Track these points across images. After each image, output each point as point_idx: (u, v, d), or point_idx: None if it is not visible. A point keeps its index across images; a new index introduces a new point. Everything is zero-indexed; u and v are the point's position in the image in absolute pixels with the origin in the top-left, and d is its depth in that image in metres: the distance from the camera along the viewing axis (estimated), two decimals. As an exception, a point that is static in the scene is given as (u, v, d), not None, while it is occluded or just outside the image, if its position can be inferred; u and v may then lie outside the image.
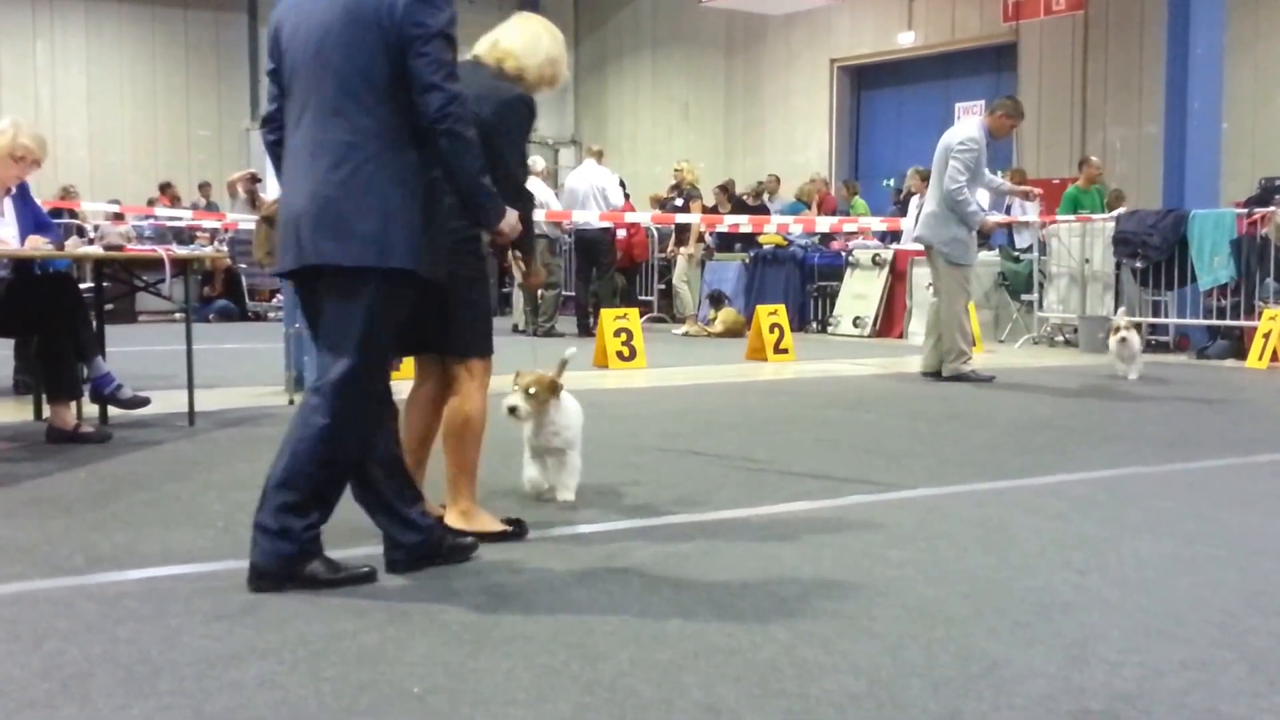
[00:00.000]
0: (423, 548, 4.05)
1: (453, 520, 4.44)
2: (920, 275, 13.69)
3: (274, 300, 17.26)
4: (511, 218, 4.18)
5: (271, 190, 9.84)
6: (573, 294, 16.30)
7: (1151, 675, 3.10)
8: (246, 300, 18.01)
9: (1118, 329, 10.22)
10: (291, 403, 8.36)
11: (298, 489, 3.75)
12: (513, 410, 4.83)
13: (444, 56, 3.78)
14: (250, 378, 9.76)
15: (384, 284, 3.78)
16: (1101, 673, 3.11)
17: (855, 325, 15.17)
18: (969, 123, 10.53)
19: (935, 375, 9.98)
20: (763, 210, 18.34)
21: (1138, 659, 3.22)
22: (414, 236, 3.79)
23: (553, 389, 4.99)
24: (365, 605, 3.65)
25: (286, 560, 3.76)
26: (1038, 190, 11.90)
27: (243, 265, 17.53)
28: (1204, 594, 3.86)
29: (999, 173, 12.61)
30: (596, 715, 2.81)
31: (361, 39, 3.76)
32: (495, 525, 4.48)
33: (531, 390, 4.89)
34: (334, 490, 3.86)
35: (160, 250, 7.63)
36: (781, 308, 12.71)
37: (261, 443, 6.74)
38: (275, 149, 4.06)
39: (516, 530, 4.50)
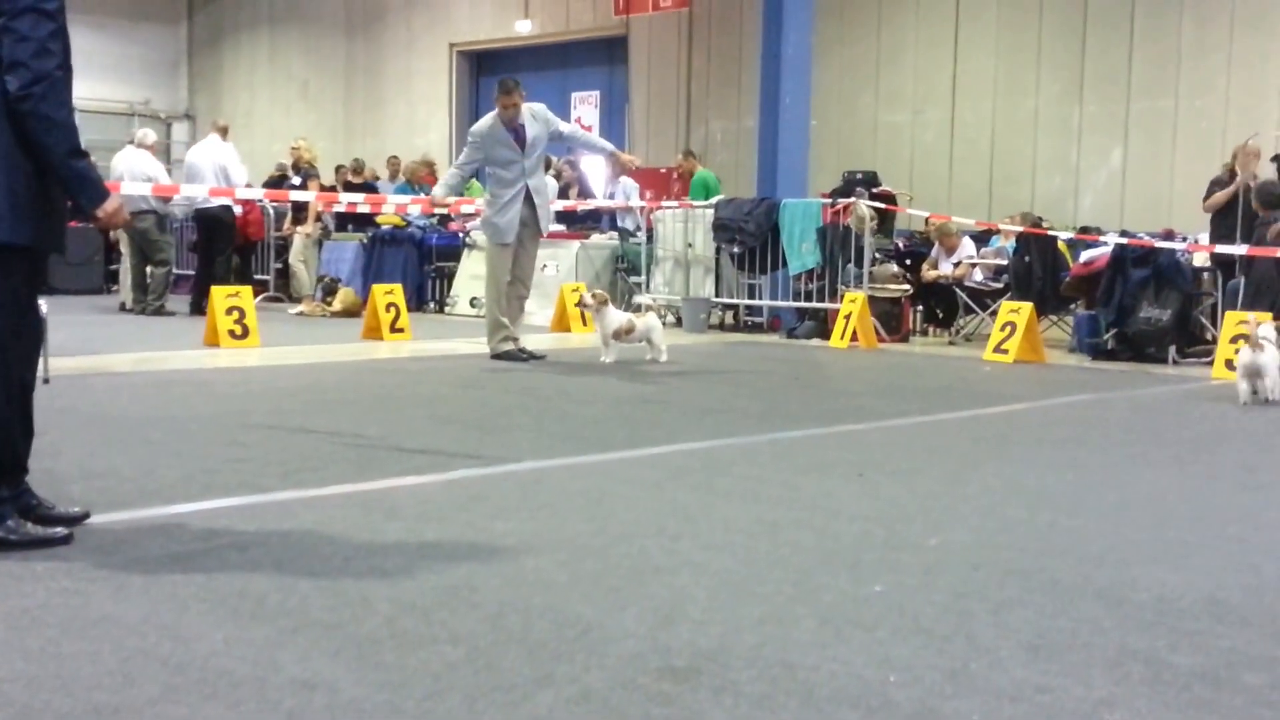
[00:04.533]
0: None
1: None
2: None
3: None
4: (113, 202, 4.04)
5: None
6: (188, 272, 15.62)
7: (731, 632, 3.30)
8: None
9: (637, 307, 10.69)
10: None
11: None
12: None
13: (32, 33, 3.68)
14: None
15: None
16: (687, 631, 3.29)
17: (472, 305, 15.25)
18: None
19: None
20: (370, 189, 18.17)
21: (720, 617, 3.42)
22: (17, 209, 3.72)
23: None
24: (-67, 596, 3.41)
25: None
26: (634, 160, 12.19)
27: None
28: (783, 554, 4.14)
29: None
30: (186, 696, 2.74)
31: None
32: None
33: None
34: None
35: None
36: (398, 287, 12.64)
37: None
38: None
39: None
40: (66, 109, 3.77)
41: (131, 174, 14.18)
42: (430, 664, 2.99)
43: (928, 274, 13.45)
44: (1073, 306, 12.73)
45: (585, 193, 17.75)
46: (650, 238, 15.07)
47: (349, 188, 18.04)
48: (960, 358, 11.64)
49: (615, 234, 16.03)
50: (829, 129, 17.55)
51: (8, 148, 3.76)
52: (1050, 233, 12.60)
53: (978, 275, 13.34)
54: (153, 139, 15.14)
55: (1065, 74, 16.58)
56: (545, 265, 13.93)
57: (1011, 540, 4.41)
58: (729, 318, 14.75)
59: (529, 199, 10.07)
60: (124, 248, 14.96)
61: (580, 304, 10.36)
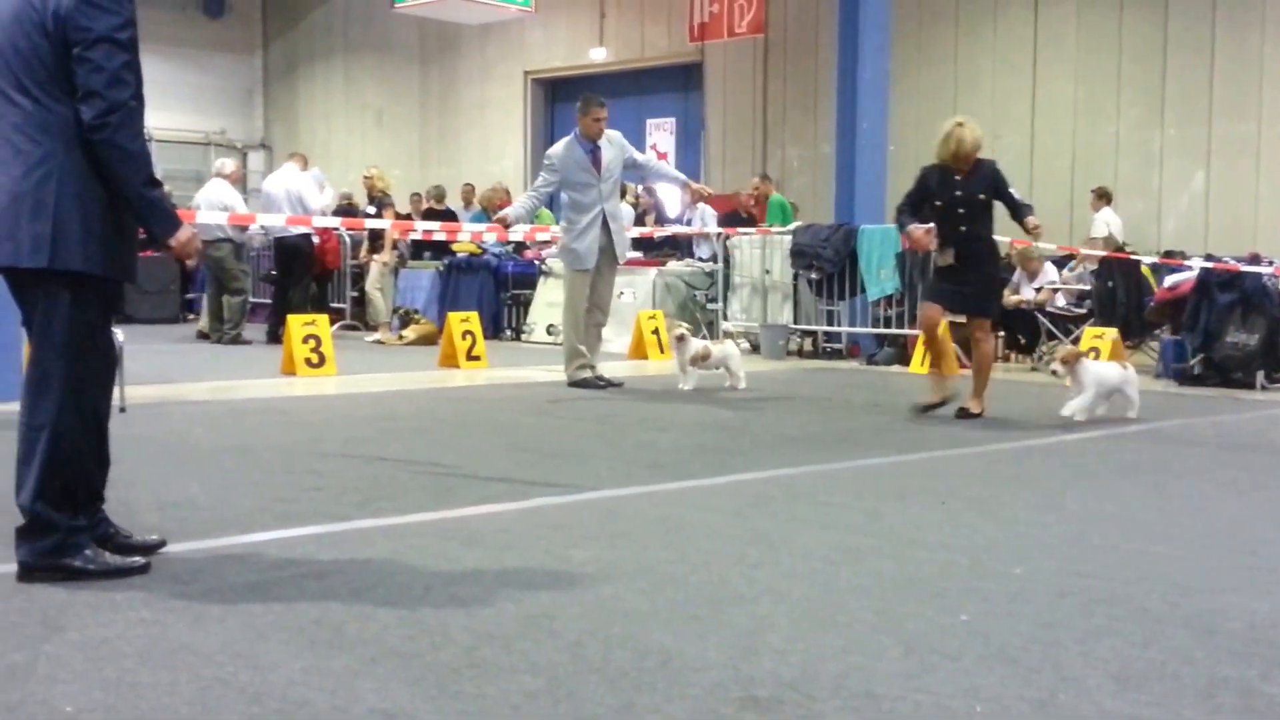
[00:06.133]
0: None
1: None
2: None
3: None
4: (185, 232, 4.05)
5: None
6: (266, 301, 15.80)
7: (814, 661, 3.24)
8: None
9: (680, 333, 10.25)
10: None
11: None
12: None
13: (107, 63, 3.71)
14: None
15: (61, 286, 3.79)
16: (769, 661, 3.23)
17: (549, 333, 15.28)
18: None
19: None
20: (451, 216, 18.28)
21: (802, 646, 3.36)
22: (90, 237, 3.76)
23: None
24: (17, 621, 3.43)
25: (49, 552, 3.81)
26: (706, 189, 12.17)
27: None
28: (865, 583, 4.07)
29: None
30: (265, 725, 2.73)
31: (28, 39, 3.73)
32: None
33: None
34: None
35: None
36: (475, 315, 12.69)
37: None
38: None
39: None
40: (140, 139, 3.81)
41: (208, 203, 14.33)
42: (510, 694, 2.95)
43: (1010, 299, 13.24)
44: (1158, 332, 12.49)
45: (662, 219, 17.74)
46: (727, 264, 15.02)
47: (432, 215, 18.15)
48: (1043, 384, 11.44)
49: (695, 261, 15.99)
50: (907, 154, 17.36)
51: (82, 177, 3.79)
52: (1134, 257, 12.36)
53: (1060, 300, 13.13)
54: (232, 168, 15.32)
55: (1146, 97, 16.34)
56: (622, 292, 13.91)
57: (1097, 568, 4.31)
58: (807, 344, 14.64)
59: (605, 225, 10.05)
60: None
61: (677, 338, 10.13)
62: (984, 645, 3.39)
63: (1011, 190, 8.62)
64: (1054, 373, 8.43)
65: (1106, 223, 15.09)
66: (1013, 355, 13.83)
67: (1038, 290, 13.08)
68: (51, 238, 3.73)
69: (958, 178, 8.42)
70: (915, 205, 8.62)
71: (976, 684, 3.08)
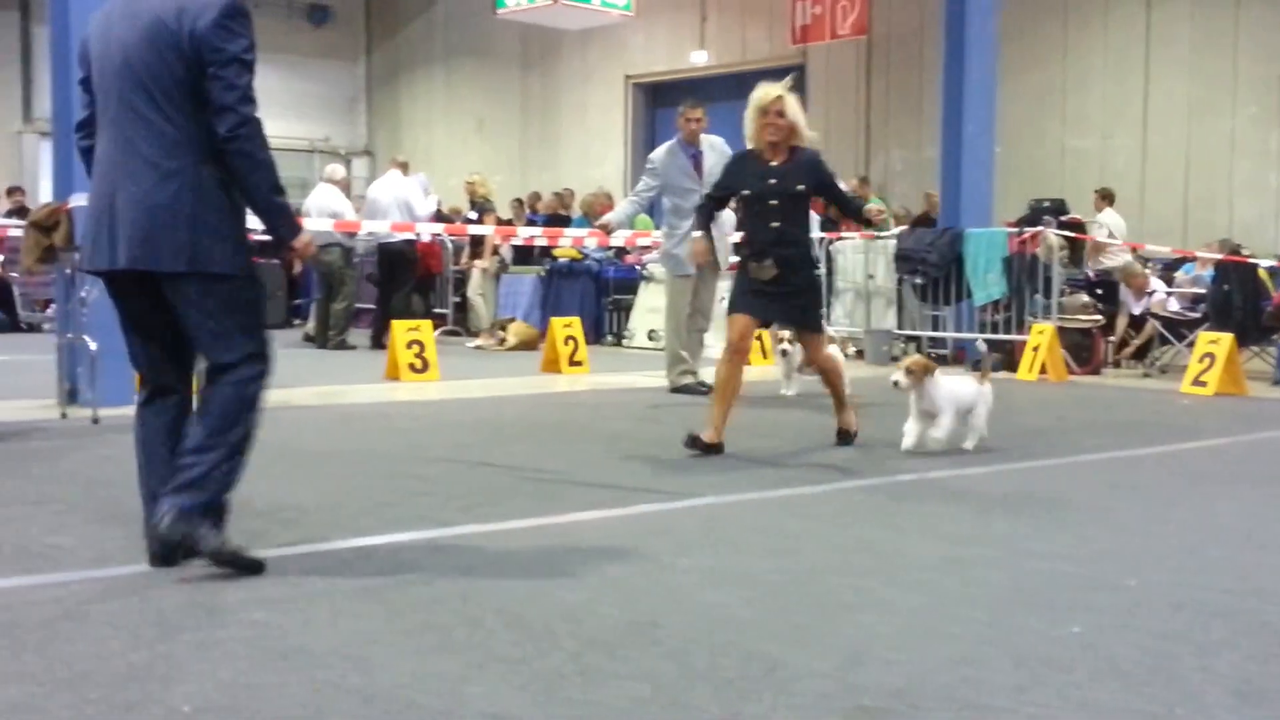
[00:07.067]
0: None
1: None
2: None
3: (49, 310, 16.45)
4: (305, 235, 4.30)
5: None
6: (369, 306, 16.02)
7: (922, 672, 3.20)
8: (19, 310, 17.12)
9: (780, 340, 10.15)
10: (64, 416, 8.00)
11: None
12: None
13: (238, 80, 3.99)
14: (19, 390, 9.28)
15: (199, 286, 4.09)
16: (876, 671, 3.20)
17: (650, 338, 15.30)
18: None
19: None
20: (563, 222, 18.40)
21: (910, 657, 3.32)
22: (224, 241, 4.06)
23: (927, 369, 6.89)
24: (134, 622, 3.51)
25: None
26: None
27: (13, 274, 16.66)
28: (974, 593, 4.01)
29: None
30: (375, 728, 2.76)
31: (160, 58, 3.99)
32: None
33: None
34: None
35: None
36: (577, 320, 12.75)
37: (28, 458, 6.44)
38: (87, 155, 4.27)
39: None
40: (267, 149, 4.05)
41: (318, 209, 14.53)
42: (617, 700, 2.96)
43: (1120, 322, 13.01)
44: (1275, 337, 12.14)
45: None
46: (829, 269, 14.91)
47: (555, 221, 18.23)
48: (1156, 390, 11.20)
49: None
50: (1014, 156, 17.14)
51: (211, 188, 4.05)
52: (1251, 260, 12.03)
53: (1174, 305, 12.84)
54: (341, 174, 15.55)
55: (1263, 96, 15.91)
56: (723, 297, 13.86)
57: (1214, 580, 4.20)
58: (912, 350, 14.48)
59: (707, 231, 10.01)
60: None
61: (781, 352, 10.10)
62: (1097, 659, 3.32)
63: (840, 184, 7.52)
64: (895, 384, 6.93)
65: (1106, 224, 14.78)
66: (1123, 361, 13.56)
67: (1146, 310, 12.83)
68: (190, 243, 3.99)
69: (773, 164, 7.05)
70: (720, 200, 7.49)
71: (1089, 698, 3.02)
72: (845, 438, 7.33)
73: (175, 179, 3.99)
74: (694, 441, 6.77)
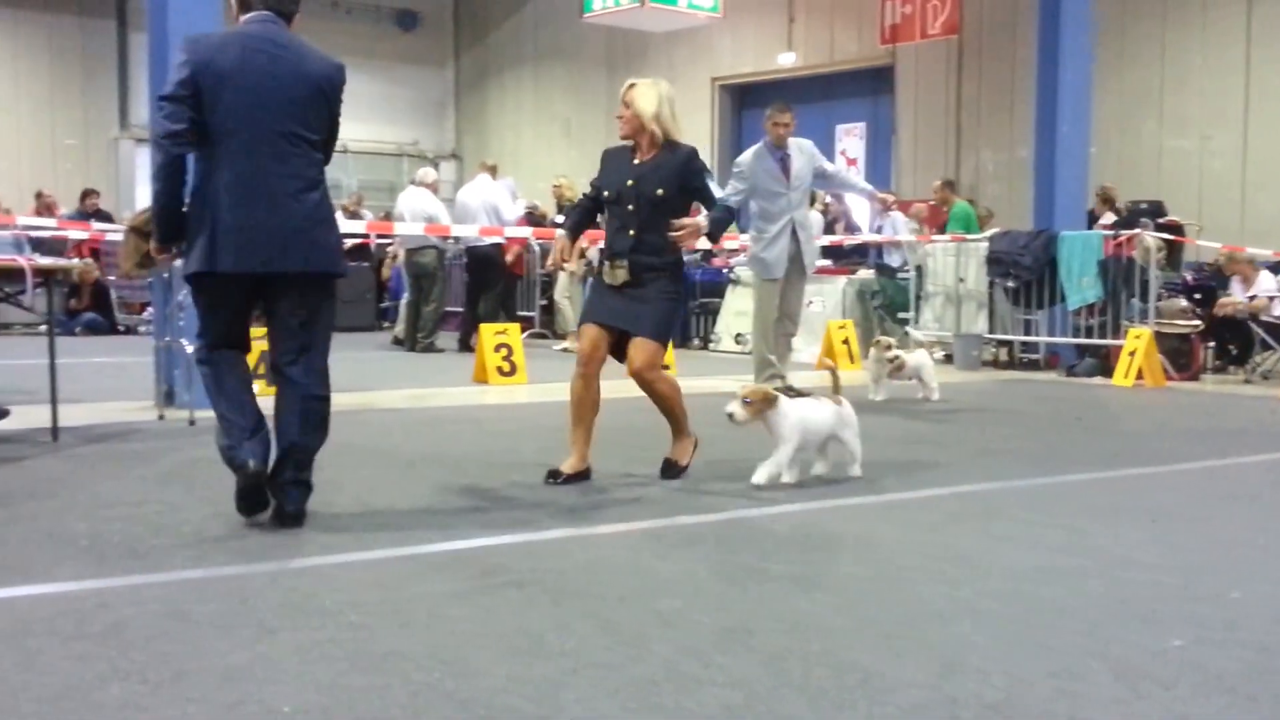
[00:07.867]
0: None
1: None
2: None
3: (145, 313, 16.81)
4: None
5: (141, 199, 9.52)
6: (457, 309, 16.16)
7: (1020, 684, 3.15)
8: (116, 313, 17.54)
9: (886, 345, 10.08)
10: (161, 417, 8.16)
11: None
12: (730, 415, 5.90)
13: (338, 128, 5.16)
14: (118, 392, 9.50)
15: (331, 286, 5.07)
16: (972, 682, 3.16)
17: (737, 342, 15.27)
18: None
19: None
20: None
21: (1007, 668, 3.27)
22: (334, 250, 5.02)
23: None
24: (234, 623, 3.57)
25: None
26: (890, 198, 12.00)
27: (111, 277, 17.06)
28: (1070, 604, 3.94)
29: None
30: (471, 732, 2.78)
31: (309, 96, 4.90)
32: None
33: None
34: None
35: (21, 260, 7.35)
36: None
37: (128, 459, 6.58)
38: (180, 162, 4.88)
39: None
40: None
41: (412, 212, 14.67)
42: (709, 707, 2.95)
43: (1223, 304, 12.68)
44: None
45: (851, 227, 17.56)
46: (919, 273, 14.77)
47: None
48: (1257, 397, 10.94)
49: (874, 270, 15.79)
50: (1109, 157, 16.84)
51: (330, 209, 5.03)
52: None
53: (1276, 309, 12.53)
54: (433, 177, 15.67)
55: (1370, 92, 15.48)
56: (811, 301, 13.81)
57: (1324, 595, 4.09)
58: (1003, 354, 14.30)
59: (794, 234, 9.96)
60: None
61: (889, 358, 10.02)
62: (1199, 673, 3.25)
63: (711, 184, 6.39)
64: (730, 417, 5.95)
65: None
66: (1226, 367, 13.26)
67: (1252, 298, 12.51)
68: (337, 249, 5.00)
69: (635, 162, 6.29)
70: (596, 199, 6.47)
71: (1192, 713, 2.96)
72: (671, 470, 6.35)
73: (323, 195, 4.93)
74: (554, 475, 6.07)
